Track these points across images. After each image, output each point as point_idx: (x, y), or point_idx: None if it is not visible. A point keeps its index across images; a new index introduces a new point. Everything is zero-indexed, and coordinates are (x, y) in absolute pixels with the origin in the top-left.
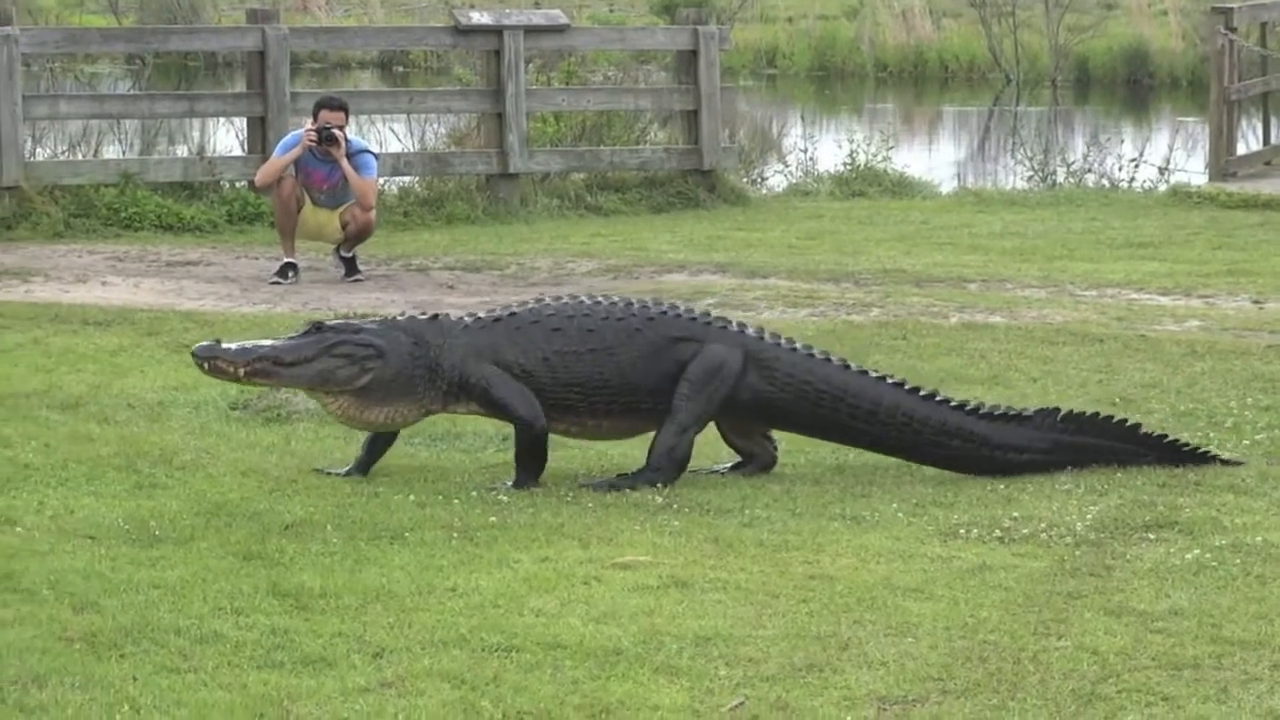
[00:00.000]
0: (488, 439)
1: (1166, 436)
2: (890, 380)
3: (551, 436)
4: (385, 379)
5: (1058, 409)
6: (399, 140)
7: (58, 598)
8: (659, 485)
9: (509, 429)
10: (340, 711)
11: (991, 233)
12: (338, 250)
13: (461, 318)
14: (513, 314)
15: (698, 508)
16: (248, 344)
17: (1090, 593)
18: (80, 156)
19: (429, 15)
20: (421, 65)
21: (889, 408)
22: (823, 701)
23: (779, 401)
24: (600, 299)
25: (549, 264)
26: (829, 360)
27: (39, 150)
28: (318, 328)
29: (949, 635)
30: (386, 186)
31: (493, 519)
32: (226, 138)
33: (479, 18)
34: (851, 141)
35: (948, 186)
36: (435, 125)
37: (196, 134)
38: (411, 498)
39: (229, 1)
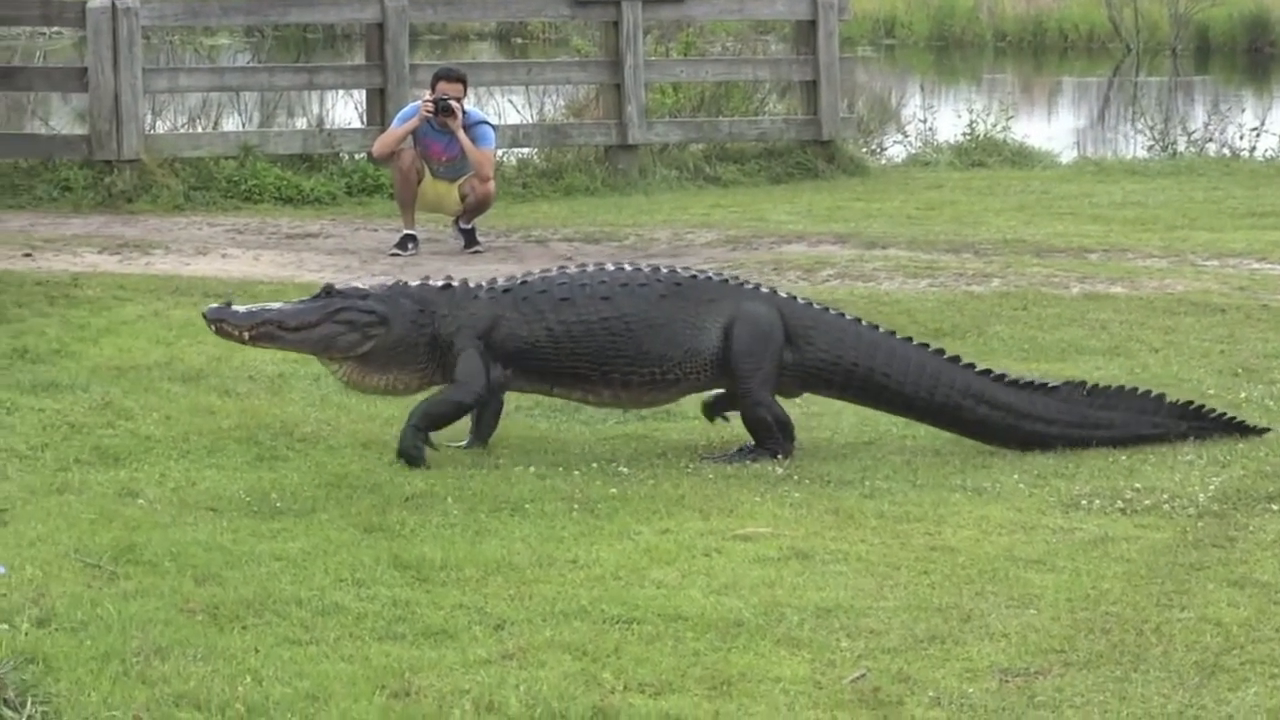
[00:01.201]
0: (607, 410)
1: (1192, 404)
2: (916, 343)
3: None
4: (387, 346)
5: (1084, 382)
6: (518, 112)
7: (180, 570)
8: (779, 457)
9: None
10: (461, 683)
11: (1112, 202)
12: (457, 222)
13: (477, 285)
14: (524, 282)
15: (818, 479)
16: (254, 307)
17: (1213, 564)
18: (200, 129)
19: None
20: (539, 37)
21: (916, 369)
22: (944, 673)
23: (813, 364)
24: (625, 265)
25: (668, 235)
26: (859, 321)
27: (159, 123)
28: (328, 292)
29: (1071, 607)
30: (505, 158)
31: (613, 491)
32: (345, 110)
33: None
34: (971, 111)
35: (1067, 156)
36: (554, 97)
37: (315, 106)
38: (532, 470)
39: None
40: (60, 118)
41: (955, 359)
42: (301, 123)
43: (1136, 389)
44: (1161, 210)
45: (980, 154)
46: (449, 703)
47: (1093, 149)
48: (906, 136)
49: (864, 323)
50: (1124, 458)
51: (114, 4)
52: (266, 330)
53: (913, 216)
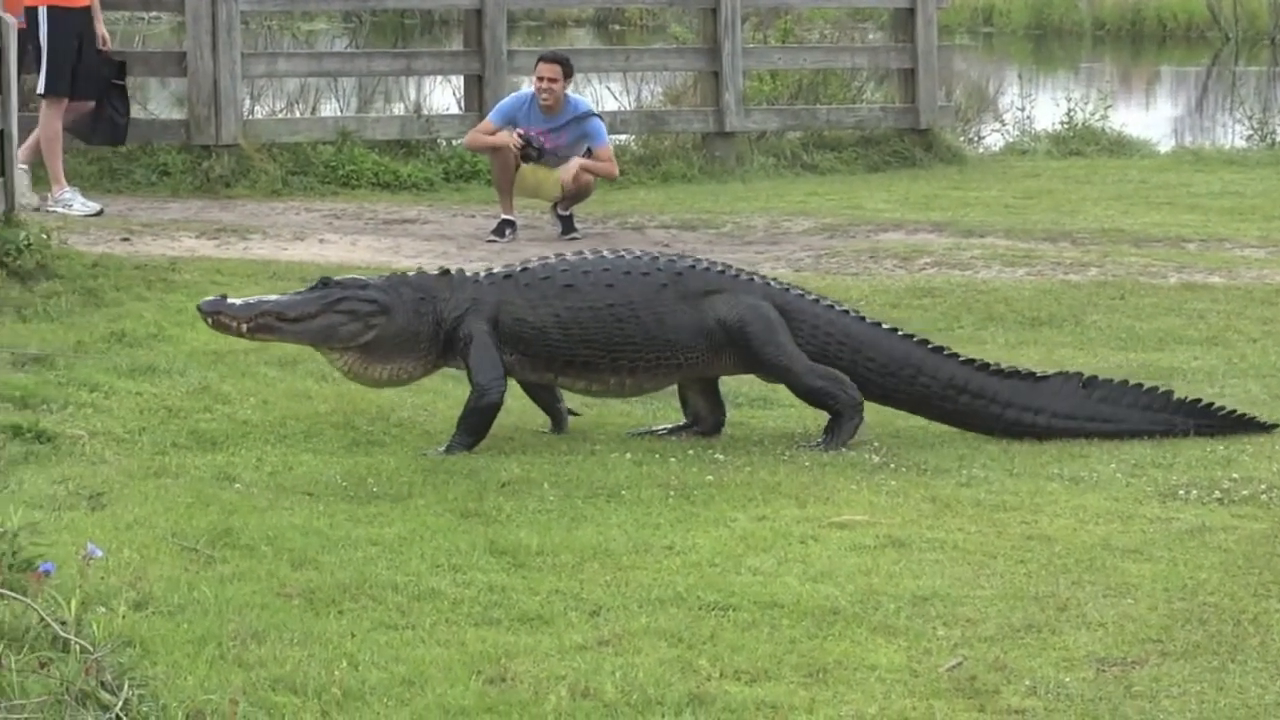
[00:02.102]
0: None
1: (1200, 402)
2: (902, 333)
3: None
4: (389, 335)
5: (1079, 373)
6: (615, 98)
7: (276, 554)
8: (857, 420)
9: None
10: (557, 669)
11: (1210, 192)
12: (555, 208)
13: (476, 273)
14: (525, 269)
15: (915, 467)
16: (252, 299)
17: None
18: (298, 114)
19: None
20: (637, 23)
21: (900, 360)
22: (1041, 662)
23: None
24: (623, 253)
25: (765, 223)
26: (846, 313)
27: (257, 108)
28: (324, 283)
29: (1168, 597)
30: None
31: (709, 477)
32: (443, 96)
33: None
34: (1068, 100)
35: (1165, 145)
36: (651, 83)
37: (413, 92)
38: (628, 456)
39: None
40: (159, 102)
41: (939, 349)
42: (399, 108)
43: (1142, 384)
44: (1259, 200)
45: (1078, 143)
46: (544, 688)
47: (1190, 138)
48: (1004, 125)
49: (853, 313)
50: (1221, 448)
51: None
52: (265, 322)
53: (1010, 205)
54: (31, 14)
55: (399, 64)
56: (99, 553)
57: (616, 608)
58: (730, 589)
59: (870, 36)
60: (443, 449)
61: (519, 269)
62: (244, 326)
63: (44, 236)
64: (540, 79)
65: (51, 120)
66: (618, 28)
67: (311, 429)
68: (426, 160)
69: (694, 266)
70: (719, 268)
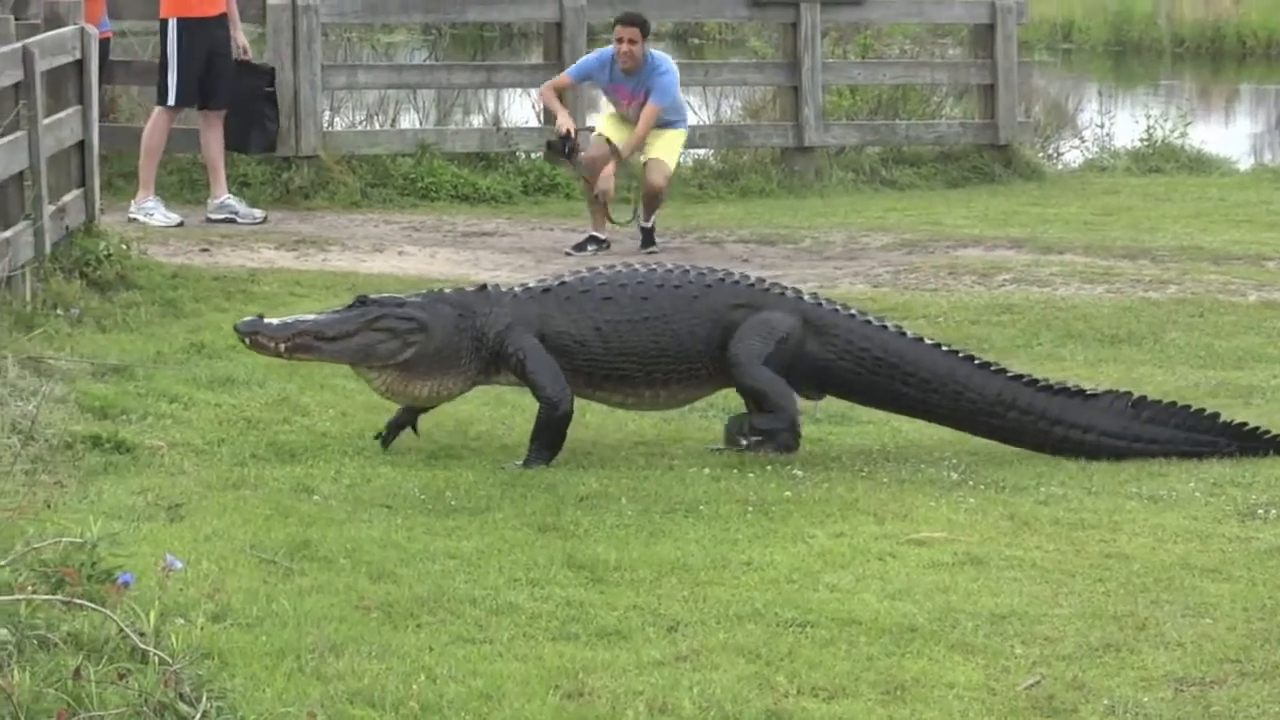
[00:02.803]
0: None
1: (1246, 425)
2: (946, 348)
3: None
4: (429, 352)
5: (1129, 392)
6: (694, 113)
7: (354, 566)
8: (790, 427)
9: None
10: (635, 684)
11: None
12: (635, 217)
13: (512, 288)
14: (563, 283)
15: (993, 485)
16: (289, 319)
17: None
18: (377, 126)
19: None
20: (716, 38)
21: (943, 376)
22: (1119, 681)
23: (836, 368)
24: (655, 266)
25: (843, 238)
26: (885, 327)
27: (337, 120)
28: (361, 301)
29: (1247, 617)
30: (681, 159)
31: (788, 493)
32: (522, 108)
33: None
34: (1148, 117)
35: (1245, 163)
36: (730, 98)
37: (491, 104)
38: (706, 471)
39: None
40: None
41: (986, 365)
42: (478, 121)
43: (1189, 406)
44: None
45: (1157, 160)
46: (622, 704)
47: (1270, 156)
48: (1083, 141)
49: (893, 328)
50: None
51: (294, 1)
52: (303, 341)
53: (1089, 222)
54: (163, 25)
55: (478, 76)
56: (179, 564)
57: (694, 623)
58: (808, 605)
59: (950, 52)
60: (520, 463)
61: (556, 283)
62: (281, 346)
63: (124, 247)
64: (619, 41)
65: (160, 128)
66: (696, 41)
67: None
68: (505, 173)
69: (724, 280)
70: (750, 281)
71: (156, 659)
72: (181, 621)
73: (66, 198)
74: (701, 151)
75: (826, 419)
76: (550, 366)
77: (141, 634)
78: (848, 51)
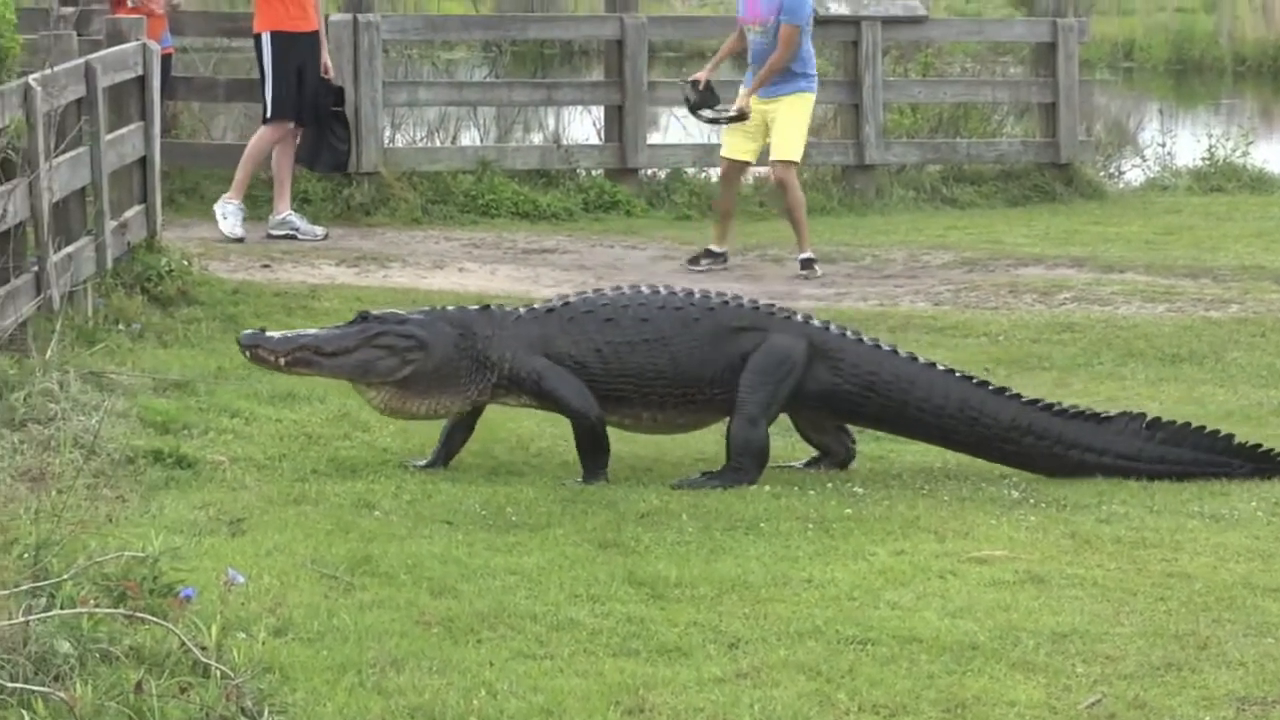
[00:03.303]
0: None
1: (1260, 447)
2: (959, 374)
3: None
4: (427, 371)
5: (1143, 414)
6: None
7: (415, 582)
8: (746, 484)
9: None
10: (695, 701)
11: None
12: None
13: (516, 309)
14: (566, 304)
15: (1054, 503)
16: (290, 333)
17: None
18: (438, 143)
19: None
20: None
21: (956, 401)
22: (1180, 701)
23: (844, 393)
24: (659, 288)
25: (904, 256)
26: (895, 352)
27: (398, 137)
28: (363, 317)
29: None
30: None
31: (848, 511)
32: (582, 126)
33: (836, 8)
34: (1209, 136)
35: None
36: None
37: (552, 122)
38: (767, 488)
39: None
40: None
41: (1000, 390)
42: (538, 138)
43: (1203, 427)
44: None
45: (1219, 179)
46: None
47: None
48: (1144, 160)
49: (902, 353)
50: None
51: (355, 17)
52: (303, 356)
53: (1150, 241)
54: (257, 40)
55: (539, 94)
56: (240, 579)
57: (755, 640)
58: (869, 623)
59: (1011, 70)
60: (580, 480)
61: (560, 304)
62: (281, 360)
63: (185, 263)
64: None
65: (265, 142)
66: None
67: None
68: (566, 190)
69: (728, 302)
70: (755, 304)
71: (218, 673)
72: (243, 636)
73: (128, 213)
74: (762, 170)
75: (887, 436)
76: (571, 381)
77: (203, 648)
78: (909, 70)
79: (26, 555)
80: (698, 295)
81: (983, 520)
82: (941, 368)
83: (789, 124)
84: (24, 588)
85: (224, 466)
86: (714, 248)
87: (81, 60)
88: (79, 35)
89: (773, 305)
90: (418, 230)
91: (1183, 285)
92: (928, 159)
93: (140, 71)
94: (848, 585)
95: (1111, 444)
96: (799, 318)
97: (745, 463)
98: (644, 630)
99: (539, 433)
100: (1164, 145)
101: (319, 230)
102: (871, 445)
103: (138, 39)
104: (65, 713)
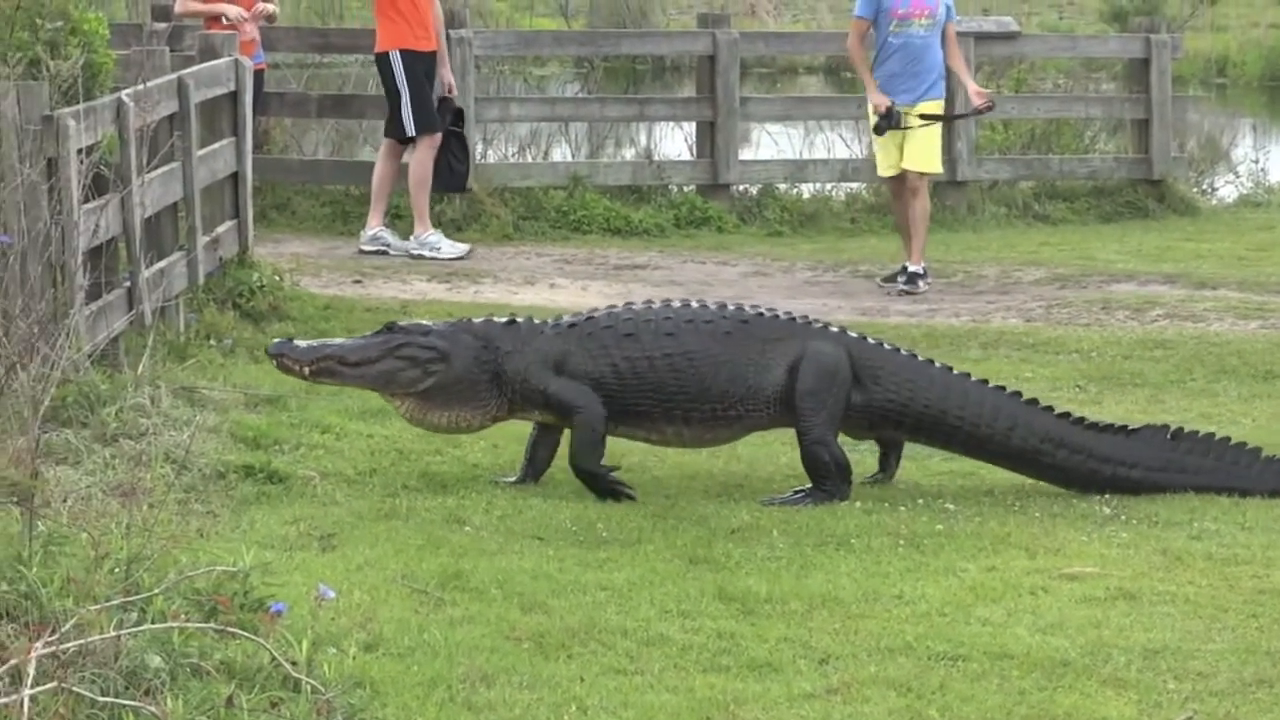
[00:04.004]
0: (925, 448)
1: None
2: (994, 386)
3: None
4: (448, 383)
5: (1166, 426)
6: (846, 146)
7: (506, 597)
8: (838, 500)
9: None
10: (786, 717)
11: None
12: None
13: (543, 322)
14: (589, 318)
15: (1145, 519)
16: (316, 342)
17: None
18: (529, 159)
19: None
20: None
21: (990, 412)
22: (1272, 718)
23: (879, 403)
24: (691, 302)
25: (996, 272)
26: (931, 363)
27: (489, 152)
28: (389, 328)
29: None
30: (834, 192)
31: (939, 527)
32: (674, 142)
33: None
34: None
35: None
36: None
37: (644, 137)
38: (858, 504)
39: (676, 5)
40: None
41: (1033, 402)
42: (629, 154)
43: (1227, 439)
44: None
45: None
46: None
47: None
48: (1238, 177)
49: (937, 364)
50: None
51: (448, 33)
52: (327, 365)
53: (1243, 258)
54: (383, 59)
55: (631, 109)
56: (331, 594)
57: (845, 656)
58: (959, 639)
59: (1104, 87)
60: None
61: (584, 318)
62: (306, 370)
63: (276, 278)
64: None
65: (425, 159)
66: (849, 75)
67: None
68: (658, 206)
69: (762, 315)
70: (789, 315)
71: (309, 688)
72: (333, 651)
73: (220, 229)
74: (854, 185)
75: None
76: (576, 389)
77: (294, 663)
78: (1001, 86)
79: (118, 570)
80: (730, 309)
81: (1074, 537)
82: (976, 379)
83: (928, 134)
84: (115, 602)
85: (315, 482)
86: (910, 265)
87: (174, 76)
88: (172, 51)
89: (807, 317)
90: (509, 246)
91: (1275, 302)
92: (1020, 175)
93: (233, 87)
94: (938, 601)
95: (1141, 457)
96: (834, 328)
97: (831, 484)
98: (734, 646)
99: (630, 448)
100: (1257, 161)
101: (410, 244)
102: (962, 462)
103: (230, 55)
104: None
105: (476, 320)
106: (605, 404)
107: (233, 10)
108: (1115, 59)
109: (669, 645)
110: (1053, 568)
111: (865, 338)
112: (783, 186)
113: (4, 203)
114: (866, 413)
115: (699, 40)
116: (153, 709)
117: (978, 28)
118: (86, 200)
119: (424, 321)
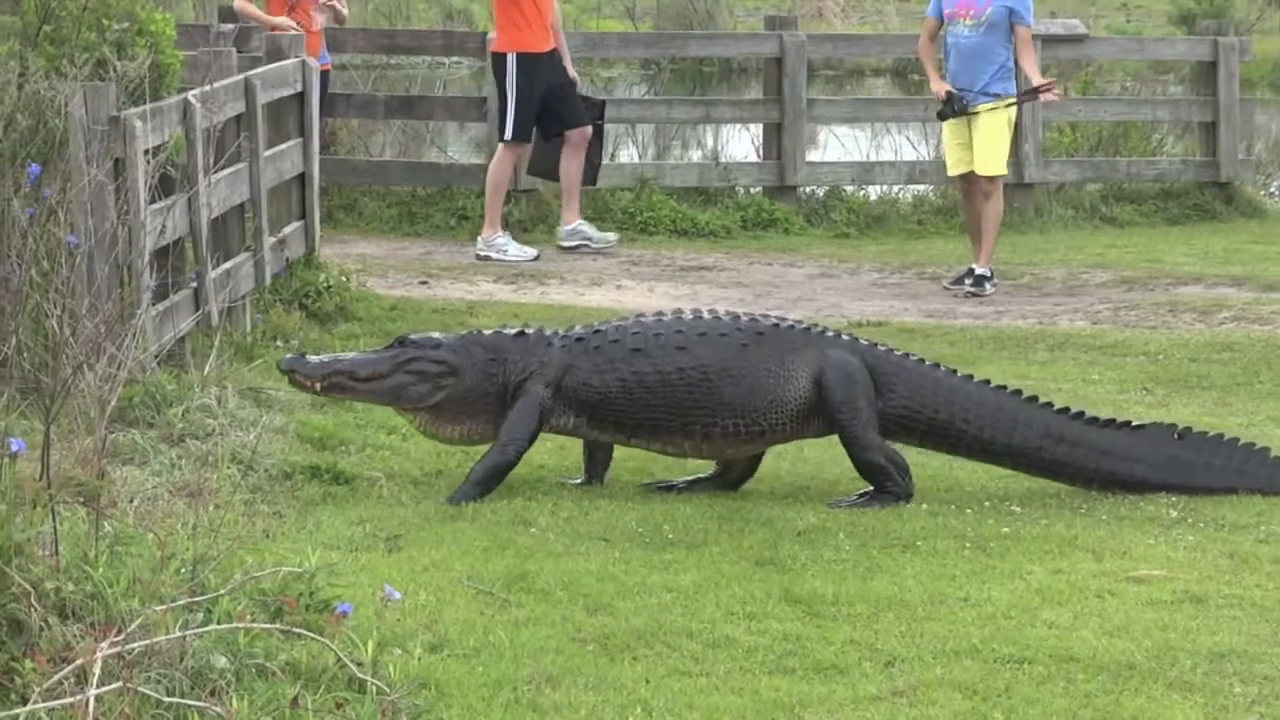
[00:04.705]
0: None
1: None
2: (995, 385)
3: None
4: (459, 396)
5: (1174, 424)
6: (914, 148)
7: (571, 599)
8: (904, 499)
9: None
10: (851, 719)
11: None
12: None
13: (553, 333)
14: (597, 331)
15: (1212, 523)
16: (327, 357)
17: None
18: None
19: None
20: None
21: (993, 412)
22: None
23: (893, 411)
24: (705, 313)
25: (1063, 274)
26: (938, 367)
27: None
28: (400, 342)
29: None
30: (900, 194)
31: (1005, 530)
32: (740, 143)
33: None
34: None
35: None
36: None
37: (710, 139)
38: (924, 506)
39: (743, 8)
40: (458, 147)
41: (1033, 399)
42: (697, 155)
43: (1237, 439)
44: None
45: None
46: None
47: None
48: None
49: (943, 369)
50: None
51: None
52: (338, 380)
53: None
54: (499, 59)
55: (698, 111)
56: (397, 595)
57: (911, 659)
58: (1025, 642)
59: (1171, 89)
60: (449, 496)
61: (593, 330)
62: (317, 385)
63: (343, 279)
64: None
65: (505, 165)
66: (916, 78)
67: (607, 474)
68: (724, 208)
69: (778, 325)
70: (805, 325)
71: (374, 689)
72: (399, 652)
73: (287, 230)
74: (921, 187)
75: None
76: (530, 419)
77: (359, 664)
78: (1069, 88)
79: (184, 570)
80: (745, 320)
81: (1140, 540)
82: (978, 380)
83: (987, 136)
84: (181, 603)
85: (380, 483)
86: (977, 268)
87: (241, 77)
88: (238, 52)
89: (820, 325)
90: None
91: None
92: (1087, 177)
93: (299, 88)
94: (1004, 604)
95: (1146, 453)
96: (846, 336)
97: (893, 485)
98: (800, 648)
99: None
100: None
101: (611, 237)
102: None
103: (297, 56)
104: None
105: (486, 332)
106: (615, 418)
107: (286, 21)
108: (1183, 61)
109: (734, 647)
110: (1119, 571)
111: (877, 345)
112: (849, 188)
113: (71, 203)
114: (881, 420)
115: (766, 42)
116: (218, 709)
117: (1045, 30)
118: (153, 201)
119: (434, 334)
